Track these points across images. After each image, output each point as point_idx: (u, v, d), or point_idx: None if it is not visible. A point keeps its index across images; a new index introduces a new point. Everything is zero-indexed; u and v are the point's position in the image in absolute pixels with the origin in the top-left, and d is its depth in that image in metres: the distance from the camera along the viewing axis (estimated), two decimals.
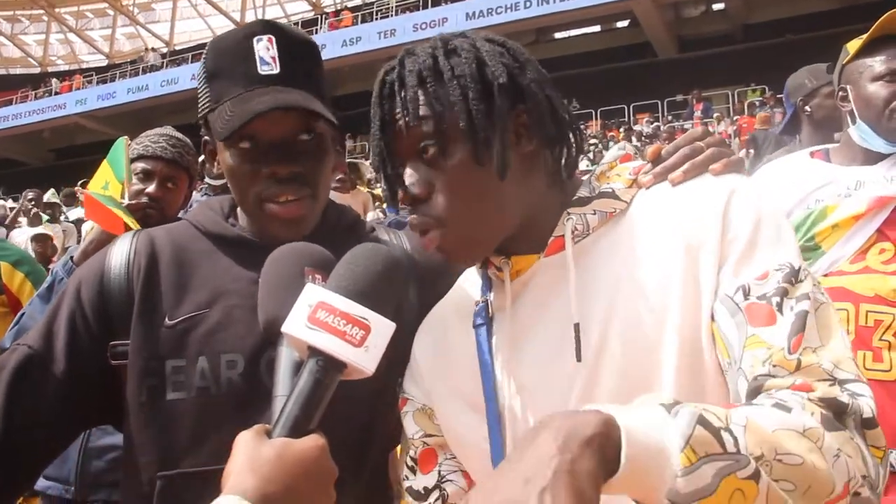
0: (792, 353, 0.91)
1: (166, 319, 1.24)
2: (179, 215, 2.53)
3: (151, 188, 2.43)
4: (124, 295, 1.27)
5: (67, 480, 2.30)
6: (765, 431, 0.78)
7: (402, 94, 1.06)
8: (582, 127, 1.19)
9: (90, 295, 1.28)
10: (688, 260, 1.01)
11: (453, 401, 1.17)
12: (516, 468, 0.71)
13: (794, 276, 0.96)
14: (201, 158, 2.92)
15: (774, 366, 0.90)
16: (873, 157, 2.05)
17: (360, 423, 1.24)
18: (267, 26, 1.26)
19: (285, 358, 0.97)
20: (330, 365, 0.89)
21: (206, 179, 5.29)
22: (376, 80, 1.11)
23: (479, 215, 1.07)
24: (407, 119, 1.05)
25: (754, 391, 0.91)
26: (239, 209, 1.37)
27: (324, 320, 0.88)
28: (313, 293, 0.91)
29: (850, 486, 0.81)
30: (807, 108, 3.29)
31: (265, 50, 1.24)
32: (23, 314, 2.37)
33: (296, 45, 1.28)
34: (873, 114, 2.03)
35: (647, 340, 1.01)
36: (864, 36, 2.06)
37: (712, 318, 0.99)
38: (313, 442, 0.87)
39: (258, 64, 1.23)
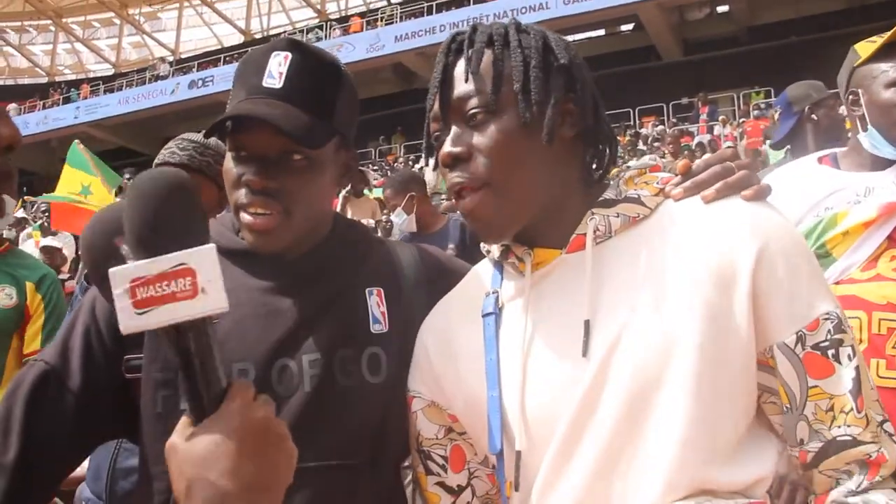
0: (860, 412, 1.04)
1: None
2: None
3: None
4: None
5: (101, 497, 2.30)
6: None
7: (469, 50, 1.13)
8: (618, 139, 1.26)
9: (104, 310, 1.30)
10: (716, 284, 1.05)
11: (458, 390, 1.20)
12: None
13: (841, 325, 1.06)
14: None
15: (849, 426, 1.03)
16: (882, 163, 2.03)
17: (377, 420, 1.26)
18: (289, 44, 1.29)
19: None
20: (185, 330, 0.80)
21: None
22: (445, 40, 1.19)
23: (518, 179, 1.11)
24: (468, 72, 1.12)
25: (833, 448, 1.04)
26: None
27: (148, 296, 0.78)
28: (119, 276, 0.79)
29: None
30: (813, 115, 3.33)
31: (277, 65, 1.27)
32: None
33: (313, 66, 1.29)
34: (886, 121, 1.99)
35: (663, 347, 1.04)
36: (878, 38, 2.02)
37: (770, 362, 1.07)
38: (227, 408, 0.80)
39: (265, 76, 1.26)
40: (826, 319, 1.05)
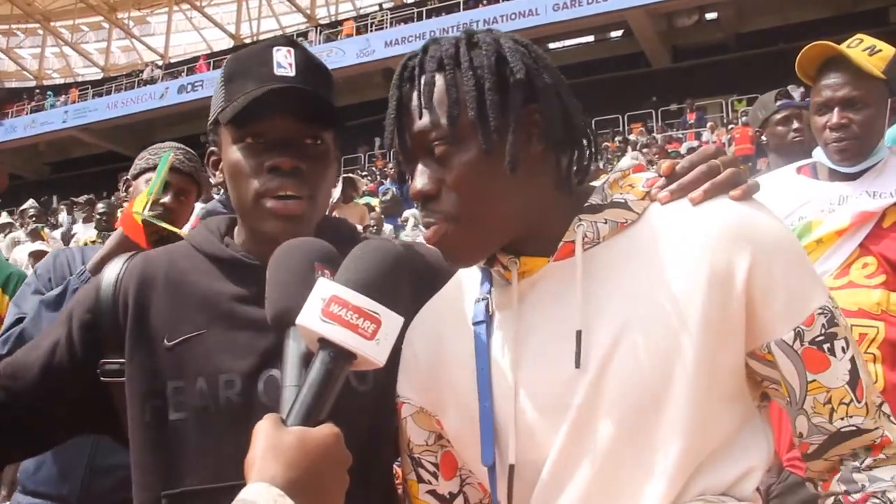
0: (860, 401, 1.07)
1: (165, 341, 1.26)
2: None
3: (167, 199, 2.43)
4: (112, 316, 1.30)
5: (67, 500, 2.27)
6: None
7: (421, 79, 1.08)
8: (596, 135, 1.21)
9: (81, 314, 1.32)
10: (711, 288, 1.03)
11: (448, 398, 1.18)
12: None
13: (834, 319, 1.08)
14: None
15: (851, 416, 1.07)
16: (853, 173, 2.10)
17: (367, 428, 1.25)
18: (288, 41, 1.32)
19: (293, 350, 1.00)
20: (341, 356, 0.93)
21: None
22: (399, 64, 1.13)
23: (488, 212, 1.07)
24: (422, 104, 1.07)
25: (837, 439, 1.07)
26: (236, 228, 1.38)
27: (337, 314, 0.92)
28: (326, 287, 0.94)
29: None
30: (763, 137, 3.33)
31: (283, 57, 1.28)
32: (20, 319, 2.36)
33: (312, 62, 1.32)
34: (820, 142, 2.15)
35: (659, 355, 1.03)
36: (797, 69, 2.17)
37: (768, 356, 1.07)
38: (329, 430, 0.91)
39: (275, 66, 1.27)
40: (820, 314, 1.06)
